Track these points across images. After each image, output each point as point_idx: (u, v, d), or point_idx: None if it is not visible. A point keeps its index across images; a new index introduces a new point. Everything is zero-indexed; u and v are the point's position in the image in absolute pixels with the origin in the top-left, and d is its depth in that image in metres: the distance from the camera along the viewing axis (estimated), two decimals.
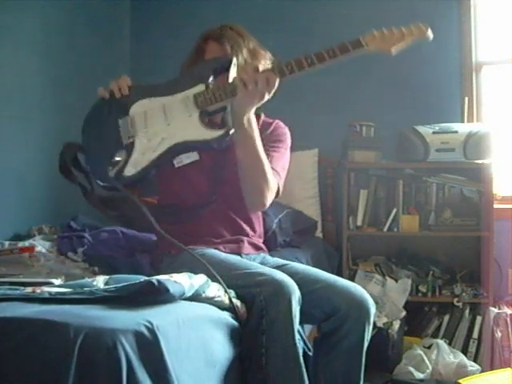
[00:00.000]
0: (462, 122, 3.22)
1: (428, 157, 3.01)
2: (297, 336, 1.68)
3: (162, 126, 1.90)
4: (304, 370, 1.69)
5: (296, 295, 1.68)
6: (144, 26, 3.73)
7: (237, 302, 1.69)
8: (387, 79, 3.40)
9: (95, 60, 3.36)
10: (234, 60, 1.95)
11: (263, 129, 2.11)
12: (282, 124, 2.20)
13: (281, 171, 2.09)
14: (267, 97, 1.86)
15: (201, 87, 1.89)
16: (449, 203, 3.11)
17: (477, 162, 3.01)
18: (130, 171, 1.87)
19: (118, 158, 1.91)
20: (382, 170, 3.20)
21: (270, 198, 2.01)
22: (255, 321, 1.66)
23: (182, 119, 1.89)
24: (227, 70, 1.92)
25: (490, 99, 3.38)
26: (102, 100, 2.00)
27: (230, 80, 1.89)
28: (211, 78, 1.91)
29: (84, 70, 3.25)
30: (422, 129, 3.05)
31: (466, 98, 3.27)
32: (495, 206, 3.05)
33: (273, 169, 2.03)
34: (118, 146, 1.92)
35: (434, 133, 3.02)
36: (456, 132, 3.02)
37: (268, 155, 2.03)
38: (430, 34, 1.88)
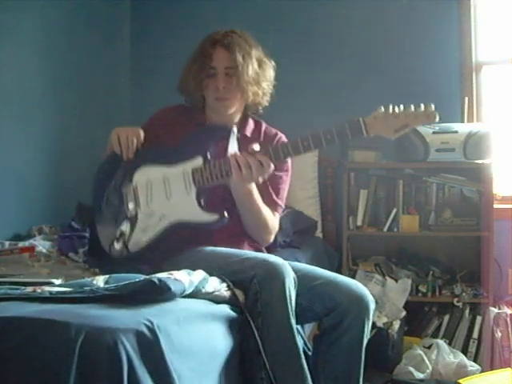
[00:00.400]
0: (462, 122, 3.22)
1: (428, 157, 3.00)
2: (292, 318, 1.68)
3: (163, 200, 1.96)
4: (301, 352, 1.70)
5: (290, 277, 1.69)
6: (144, 26, 3.73)
7: (235, 290, 1.70)
8: (387, 79, 3.40)
9: (95, 60, 3.36)
10: (234, 129, 2.00)
11: (266, 141, 2.12)
12: (284, 139, 2.18)
13: (283, 201, 2.17)
14: (261, 179, 1.90)
15: (199, 161, 1.93)
16: (449, 203, 3.11)
17: (477, 162, 3.00)
18: (133, 248, 1.97)
19: (122, 230, 1.98)
20: (382, 169, 3.19)
21: (272, 237, 2.13)
22: (250, 304, 1.67)
23: (180, 196, 1.95)
24: (227, 138, 1.98)
25: (490, 99, 3.38)
26: (114, 154, 2.05)
27: (229, 151, 1.94)
28: (210, 150, 1.95)
29: (84, 70, 3.25)
30: (422, 129, 3.04)
31: (466, 98, 3.27)
32: (495, 206, 3.04)
33: (276, 203, 2.12)
34: (123, 216, 2.00)
35: (434, 133, 3.02)
36: (456, 132, 3.01)
37: (274, 185, 2.11)
38: (437, 118, 1.81)
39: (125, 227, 1.98)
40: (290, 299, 1.68)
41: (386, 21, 3.43)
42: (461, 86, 3.35)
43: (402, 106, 1.81)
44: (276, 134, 2.19)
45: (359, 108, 3.31)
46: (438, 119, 1.80)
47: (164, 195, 1.96)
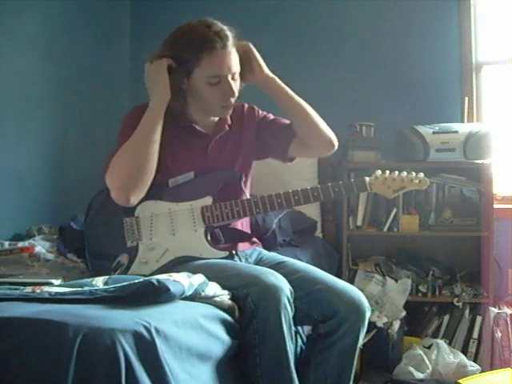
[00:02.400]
0: (462, 122, 3.22)
1: (428, 157, 3.00)
2: (288, 337, 1.68)
3: (168, 235, 1.94)
4: (294, 371, 1.70)
5: (285, 296, 1.68)
6: (144, 26, 3.73)
7: (232, 304, 1.69)
8: (387, 79, 3.40)
9: (95, 60, 3.36)
10: (243, 176, 2.01)
11: (249, 115, 2.12)
12: (246, 105, 2.15)
13: None
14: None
15: (208, 200, 1.94)
16: (449, 203, 3.11)
17: (477, 161, 3.00)
18: None
19: (120, 260, 1.94)
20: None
21: (331, 133, 2.09)
22: (246, 321, 1.67)
23: (187, 232, 1.93)
24: (235, 182, 1.99)
25: (490, 99, 3.38)
26: None
27: (247, 196, 1.97)
28: (219, 191, 1.95)
29: (84, 70, 3.25)
30: (422, 129, 3.05)
31: (466, 98, 3.27)
32: (495, 206, 3.04)
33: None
34: (121, 246, 1.95)
35: (434, 133, 3.02)
36: (456, 132, 3.01)
37: (276, 121, 2.12)
38: (428, 183, 2.03)
39: (123, 258, 1.94)
40: (286, 317, 1.67)
41: (386, 21, 3.43)
42: (461, 86, 3.35)
43: (396, 172, 2.01)
44: (247, 106, 2.14)
45: (359, 108, 3.36)
46: (428, 184, 2.04)
47: (169, 230, 1.94)
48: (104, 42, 3.49)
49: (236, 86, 1.96)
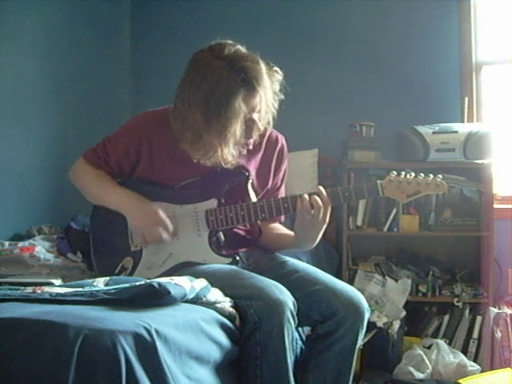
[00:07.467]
0: (462, 122, 3.22)
1: (428, 157, 3.01)
2: (289, 350, 1.67)
3: (171, 239, 1.91)
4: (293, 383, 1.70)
5: (288, 310, 1.66)
6: (144, 26, 3.73)
7: (233, 311, 1.68)
8: (387, 79, 3.40)
9: (95, 60, 3.36)
10: (251, 175, 1.95)
11: (270, 144, 2.07)
12: (284, 140, 2.11)
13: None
14: (324, 224, 1.86)
15: (213, 203, 1.90)
16: (449, 203, 3.11)
17: (477, 161, 3.00)
18: None
19: (124, 265, 1.93)
20: (382, 169, 3.19)
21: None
22: (248, 332, 1.66)
23: (191, 236, 1.91)
24: (243, 183, 1.94)
25: (490, 99, 3.38)
26: None
27: (253, 199, 1.92)
28: (225, 193, 1.91)
29: (84, 70, 3.25)
30: (422, 129, 3.05)
31: (466, 98, 3.27)
32: (495, 206, 3.05)
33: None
34: (126, 249, 1.95)
35: (434, 133, 3.02)
36: (456, 132, 3.02)
37: (279, 186, 2.10)
38: (447, 188, 1.88)
39: (127, 262, 1.93)
40: (289, 333, 1.66)
41: (386, 21, 3.43)
42: (461, 86, 3.35)
43: (412, 173, 1.86)
44: (277, 136, 2.10)
45: (359, 108, 3.36)
46: (447, 188, 1.87)
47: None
48: (104, 42, 3.49)
49: (260, 118, 1.87)
